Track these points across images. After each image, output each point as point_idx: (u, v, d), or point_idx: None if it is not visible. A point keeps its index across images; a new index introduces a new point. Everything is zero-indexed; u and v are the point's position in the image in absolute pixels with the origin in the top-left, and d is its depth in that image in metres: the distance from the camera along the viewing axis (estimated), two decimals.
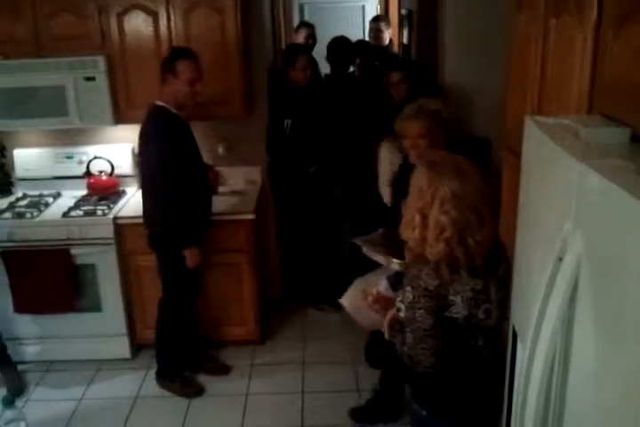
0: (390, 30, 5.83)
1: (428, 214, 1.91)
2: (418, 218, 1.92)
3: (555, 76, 2.02)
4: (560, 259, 1.33)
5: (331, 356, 3.98)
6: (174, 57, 3.36)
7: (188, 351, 3.79)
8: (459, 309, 1.93)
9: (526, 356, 1.44)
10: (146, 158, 3.40)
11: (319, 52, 5.08)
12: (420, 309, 1.92)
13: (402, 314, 2.05)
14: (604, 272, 1.17)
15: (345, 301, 3.04)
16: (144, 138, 3.38)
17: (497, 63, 3.15)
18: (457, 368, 2.03)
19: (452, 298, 1.92)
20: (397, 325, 2.10)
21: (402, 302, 2.04)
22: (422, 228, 1.92)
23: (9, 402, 1.85)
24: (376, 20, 5.96)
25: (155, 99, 3.43)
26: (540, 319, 1.38)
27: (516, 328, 1.72)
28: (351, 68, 4.92)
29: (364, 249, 2.94)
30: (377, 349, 3.38)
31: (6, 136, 4.23)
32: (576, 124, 1.53)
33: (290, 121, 4.25)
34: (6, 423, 1.85)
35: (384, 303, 2.60)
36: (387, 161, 3.70)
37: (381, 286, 2.76)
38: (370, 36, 5.82)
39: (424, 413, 2.11)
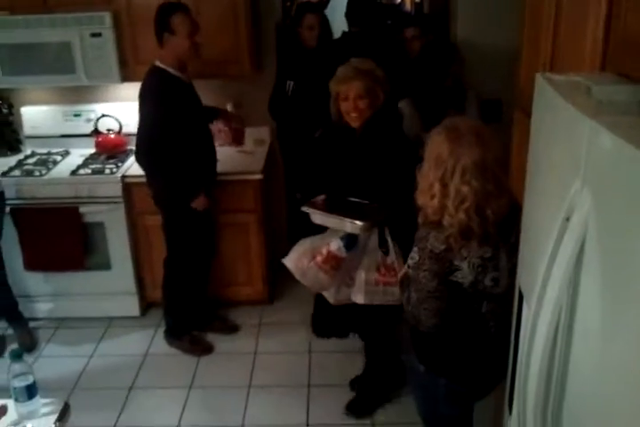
0: None
1: (448, 184, 1.89)
2: (437, 186, 1.91)
3: (568, 33, 1.96)
4: (567, 219, 1.30)
5: None
6: (166, 14, 3.26)
7: (196, 310, 3.82)
8: (464, 274, 1.92)
9: (531, 316, 1.44)
10: (140, 119, 3.38)
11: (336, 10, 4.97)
12: (424, 270, 1.93)
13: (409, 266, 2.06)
14: (612, 231, 1.15)
15: (289, 261, 2.96)
16: (140, 99, 3.37)
17: (511, 20, 3.07)
18: (458, 331, 2.03)
19: (457, 263, 1.92)
20: (407, 281, 2.10)
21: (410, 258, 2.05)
22: (442, 196, 1.91)
23: (17, 355, 1.87)
24: None
25: (155, 56, 3.39)
26: (545, 280, 1.36)
27: (522, 289, 1.71)
28: None
29: (314, 216, 2.87)
30: (322, 317, 3.31)
31: (13, 93, 4.21)
32: (588, 82, 1.48)
33: (292, 83, 4.10)
34: (14, 376, 1.87)
35: (334, 263, 2.62)
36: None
37: (332, 245, 2.76)
38: None
39: (422, 368, 2.13)
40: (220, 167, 3.70)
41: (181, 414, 3.22)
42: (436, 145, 1.94)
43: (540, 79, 1.66)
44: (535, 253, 1.53)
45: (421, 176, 2.00)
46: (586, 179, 1.25)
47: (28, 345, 3.76)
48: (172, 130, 3.28)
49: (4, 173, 3.85)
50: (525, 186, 1.78)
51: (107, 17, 3.72)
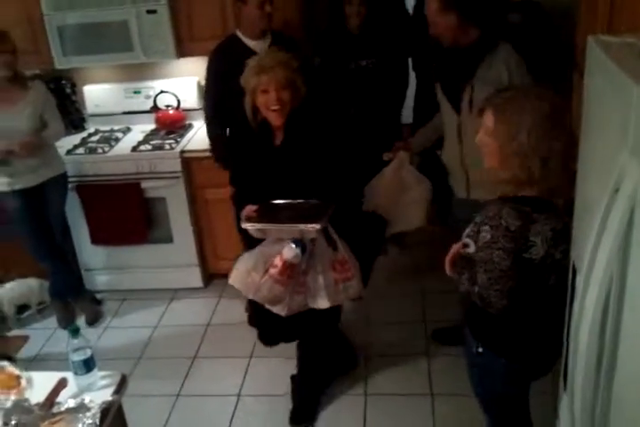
0: None
1: (526, 153, 1.83)
2: (517, 160, 1.85)
3: None
4: (616, 190, 1.25)
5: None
6: None
7: None
8: (538, 250, 1.87)
9: (581, 290, 1.40)
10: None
11: None
12: (498, 249, 1.85)
13: (470, 250, 1.98)
14: None
15: (236, 281, 2.71)
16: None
17: None
18: (526, 309, 1.97)
19: (532, 239, 1.86)
20: (462, 261, 2.03)
21: (472, 239, 1.97)
22: (522, 167, 1.85)
23: (75, 331, 1.94)
24: None
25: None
26: (594, 252, 1.32)
27: (575, 263, 1.66)
28: None
29: (256, 232, 2.61)
30: (265, 325, 2.99)
31: (76, 73, 4.29)
32: None
33: (319, 59, 3.91)
34: (73, 351, 1.95)
35: (290, 272, 2.48)
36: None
37: (286, 253, 2.55)
38: None
39: (480, 349, 2.08)
40: None
41: (242, 383, 3.29)
42: (496, 113, 1.88)
43: (591, 42, 1.58)
44: (586, 225, 1.49)
45: (493, 154, 1.92)
46: (634, 148, 1.20)
47: (94, 318, 3.91)
48: (227, 103, 3.30)
49: (69, 151, 3.96)
50: (578, 155, 1.72)
51: None
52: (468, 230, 2.01)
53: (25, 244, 3.68)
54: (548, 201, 1.91)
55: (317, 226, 2.51)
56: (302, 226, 2.53)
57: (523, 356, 2.06)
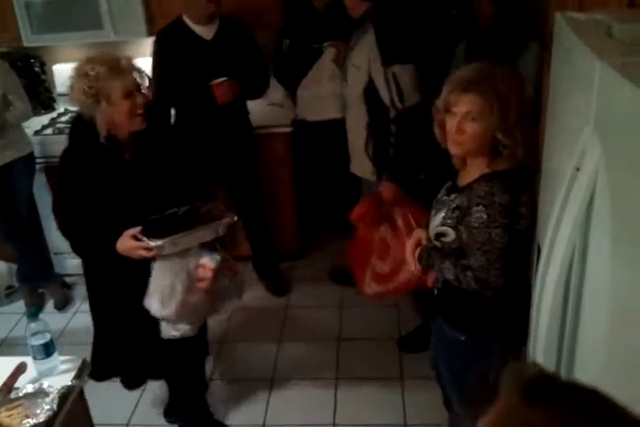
0: None
1: (509, 126, 1.81)
2: (500, 136, 1.82)
3: None
4: (577, 169, 1.23)
5: None
6: None
7: None
8: (525, 220, 1.85)
9: (542, 264, 1.39)
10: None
11: None
12: (497, 227, 1.82)
13: (448, 239, 1.94)
14: (623, 180, 1.09)
15: (165, 312, 2.34)
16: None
17: None
18: (521, 284, 1.93)
19: (520, 210, 1.84)
20: (433, 252, 2.00)
21: (449, 226, 1.93)
22: (510, 141, 1.83)
23: (33, 314, 1.91)
24: None
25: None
26: (556, 228, 1.32)
27: (539, 241, 1.64)
28: None
29: (168, 247, 2.26)
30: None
31: (45, 52, 4.22)
32: (611, 20, 1.38)
33: (288, 41, 3.85)
34: (32, 335, 1.91)
35: (214, 277, 2.37)
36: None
37: (210, 262, 2.37)
38: None
39: (462, 338, 2.03)
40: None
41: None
42: (480, 96, 1.82)
43: (559, 18, 1.56)
44: (549, 202, 1.47)
45: (476, 133, 1.87)
46: (597, 125, 1.18)
47: (63, 302, 3.86)
48: (170, 81, 3.27)
49: (37, 132, 3.89)
50: (544, 132, 1.70)
51: None
52: (440, 219, 1.97)
53: None
54: (523, 170, 1.89)
55: (234, 216, 2.39)
56: (223, 221, 2.35)
57: (511, 335, 2.00)
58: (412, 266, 2.07)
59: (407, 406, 2.93)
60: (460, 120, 1.85)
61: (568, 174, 1.26)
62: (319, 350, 3.34)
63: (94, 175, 2.30)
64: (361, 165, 3.29)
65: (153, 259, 2.29)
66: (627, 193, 1.07)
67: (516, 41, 2.98)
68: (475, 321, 2.05)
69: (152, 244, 2.22)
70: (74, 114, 2.60)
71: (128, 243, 2.23)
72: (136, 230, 2.24)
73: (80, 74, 2.24)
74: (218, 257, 2.37)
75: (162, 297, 2.32)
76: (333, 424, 2.88)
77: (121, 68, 2.26)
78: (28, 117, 3.64)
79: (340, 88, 3.37)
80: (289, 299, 3.79)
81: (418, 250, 2.06)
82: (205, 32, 3.33)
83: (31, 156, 3.66)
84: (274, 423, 2.93)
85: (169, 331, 2.43)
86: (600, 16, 1.48)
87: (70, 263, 4.06)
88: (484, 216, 1.83)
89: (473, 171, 1.93)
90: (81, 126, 2.33)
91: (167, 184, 2.40)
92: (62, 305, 3.84)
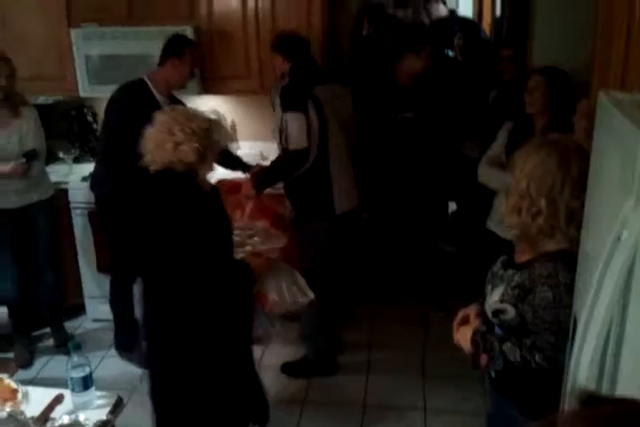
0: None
1: (556, 198, 1.80)
2: (544, 203, 1.82)
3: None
4: (619, 238, 1.28)
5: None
6: (184, 43, 3.51)
7: None
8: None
9: (579, 336, 1.40)
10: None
11: None
12: (564, 307, 1.78)
13: (508, 316, 1.90)
14: None
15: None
16: (108, 104, 3.58)
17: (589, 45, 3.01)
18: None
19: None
20: (492, 336, 1.95)
21: (508, 302, 1.89)
22: (550, 214, 1.82)
23: (76, 347, 1.96)
24: None
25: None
26: (595, 299, 1.33)
27: (576, 314, 1.64)
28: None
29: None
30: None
31: (97, 102, 4.38)
32: None
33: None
34: (72, 367, 1.96)
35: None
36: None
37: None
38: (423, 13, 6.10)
39: (521, 415, 1.96)
40: None
41: None
42: (539, 160, 1.85)
43: (602, 96, 1.64)
44: (587, 274, 1.50)
45: (515, 194, 1.89)
46: (639, 196, 1.23)
47: (23, 363, 3.78)
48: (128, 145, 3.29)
49: (85, 178, 4.02)
50: (585, 205, 1.75)
51: (188, 31, 3.85)
52: (498, 295, 1.93)
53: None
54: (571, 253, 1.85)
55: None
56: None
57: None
58: (465, 349, 2.02)
59: None
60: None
61: (608, 245, 1.30)
62: None
63: (213, 222, 2.45)
64: None
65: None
66: None
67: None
68: (537, 398, 1.96)
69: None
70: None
71: None
72: None
73: (189, 132, 2.32)
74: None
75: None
76: None
77: (219, 124, 2.44)
78: (40, 172, 3.69)
79: None
80: None
81: (470, 334, 2.01)
82: (163, 101, 3.51)
83: (52, 199, 3.77)
84: None
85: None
86: None
87: (103, 308, 4.10)
88: (550, 296, 1.80)
89: (531, 248, 1.92)
90: (177, 179, 2.39)
91: None
92: (23, 366, 3.78)
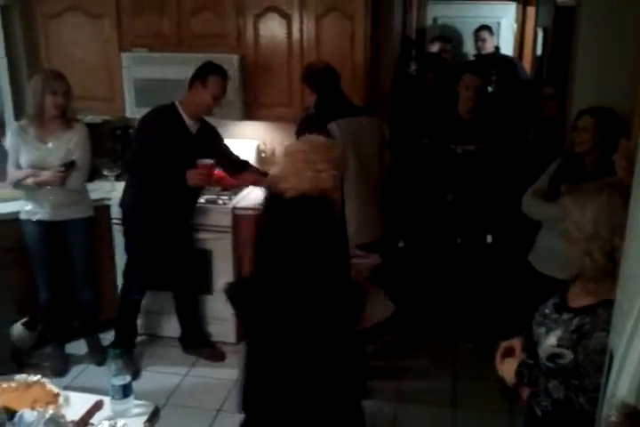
0: (494, 37, 6.21)
1: (615, 248, 1.83)
2: (618, 240, 1.83)
3: None
4: None
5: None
6: (210, 69, 3.59)
7: None
8: None
9: (614, 374, 1.43)
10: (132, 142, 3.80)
11: None
12: None
13: (565, 361, 1.92)
14: None
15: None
16: (139, 124, 3.75)
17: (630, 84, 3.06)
18: None
19: None
20: (537, 370, 1.99)
21: (566, 347, 1.92)
22: (607, 263, 1.86)
23: (117, 355, 2.03)
24: (479, 29, 6.14)
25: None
26: (632, 335, 1.36)
27: (612, 350, 1.65)
28: None
29: None
30: None
31: None
32: None
33: (428, 140, 4.14)
34: (115, 375, 2.03)
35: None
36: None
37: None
38: (475, 46, 6.16)
39: None
40: None
41: None
42: (603, 203, 1.89)
43: None
44: (625, 311, 1.51)
45: (581, 240, 1.92)
46: None
47: (58, 372, 3.84)
48: (151, 160, 3.54)
49: None
50: (624, 243, 1.75)
51: (235, 59, 4.00)
52: (555, 340, 1.95)
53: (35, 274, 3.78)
54: None
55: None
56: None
57: None
58: (508, 381, 2.05)
59: None
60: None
61: None
62: None
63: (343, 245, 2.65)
64: None
65: None
66: None
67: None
68: None
69: None
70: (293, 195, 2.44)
71: None
72: None
73: (329, 161, 2.46)
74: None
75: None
76: None
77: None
78: (79, 185, 3.75)
79: None
80: None
81: (515, 366, 2.04)
82: (192, 126, 3.67)
83: (90, 220, 3.84)
84: None
85: None
86: None
87: (139, 322, 4.17)
88: (607, 342, 1.78)
89: (589, 291, 1.94)
90: (316, 205, 2.47)
91: None
92: (58, 374, 3.82)
